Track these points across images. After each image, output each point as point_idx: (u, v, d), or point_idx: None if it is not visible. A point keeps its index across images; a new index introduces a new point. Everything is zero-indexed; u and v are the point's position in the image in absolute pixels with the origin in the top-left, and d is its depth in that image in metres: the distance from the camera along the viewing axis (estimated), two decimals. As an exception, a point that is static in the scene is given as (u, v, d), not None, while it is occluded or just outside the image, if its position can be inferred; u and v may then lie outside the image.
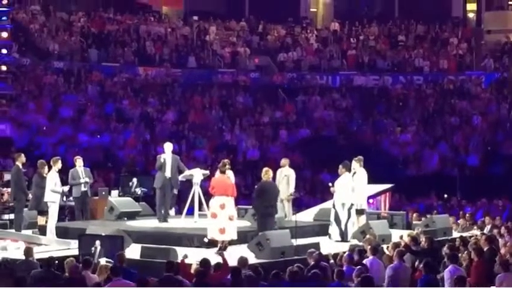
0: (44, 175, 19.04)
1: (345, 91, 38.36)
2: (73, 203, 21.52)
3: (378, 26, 42.26)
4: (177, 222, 19.79)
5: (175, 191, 21.37)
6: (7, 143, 29.29)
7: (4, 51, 27.67)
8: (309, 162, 32.92)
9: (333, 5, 45.36)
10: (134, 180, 23.90)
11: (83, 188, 20.38)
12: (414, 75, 39.33)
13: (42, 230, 18.91)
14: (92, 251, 14.77)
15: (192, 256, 14.78)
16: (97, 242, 14.98)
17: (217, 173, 17.80)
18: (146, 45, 38.53)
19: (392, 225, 20.85)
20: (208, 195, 18.57)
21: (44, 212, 19.07)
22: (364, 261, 14.34)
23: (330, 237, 19.07)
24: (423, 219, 22.03)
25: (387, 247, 16.00)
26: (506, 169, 32.30)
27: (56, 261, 13.42)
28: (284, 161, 20.85)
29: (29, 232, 19.23)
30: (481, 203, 29.41)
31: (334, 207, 19.14)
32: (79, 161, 20.64)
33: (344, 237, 18.84)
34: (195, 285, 12.29)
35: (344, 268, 13.74)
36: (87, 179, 20.49)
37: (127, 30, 39.15)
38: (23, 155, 20.10)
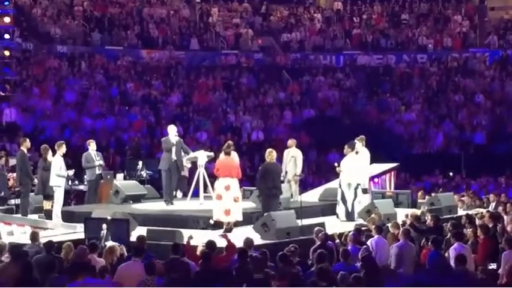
0: (49, 159, 19.08)
1: (349, 71, 38.35)
2: (79, 187, 21.64)
3: (381, 5, 42.14)
4: (182, 205, 19.83)
5: (186, 173, 21.44)
6: (12, 128, 29.34)
7: (7, 36, 27.70)
8: (314, 143, 32.93)
9: (335, -15, 45.18)
10: (140, 163, 23.94)
11: (97, 171, 20.48)
12: (418, 54, 39.27)
13: (48, 215, 18.96)
14: (101, 235, 14.80)
15: (197, 238, 14.82)
16: (104, 226, 15.02)
17: (222, 155, 17.81)
18: (149, 27, 38.48)
19: (398, 204, 20.87)
20: (213, 177, 18.59)
21: (50, 197, 19.11)
22: (369, 241, 14.38)
23: (338, 216, 19.12)
24: (428, 197, 22.05)
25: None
26: (511, 147, 32.28)
27: (56, 245, 13.45)
28: (291, 142, 20.88)
29: (35, 216, 19.28)
30: (486, 180, 29.44)
31: (340, 187, 19.17)
32: (93, 145, 20.76)
33: (350, 216, 18.87)
34: (201, 267, 12.32)
35: (349, 247, 13.78)
36: (101, 162, 20.61)
37: (130, 13, 39.08)
38: (28, 139, 20.13)
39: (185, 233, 15.80)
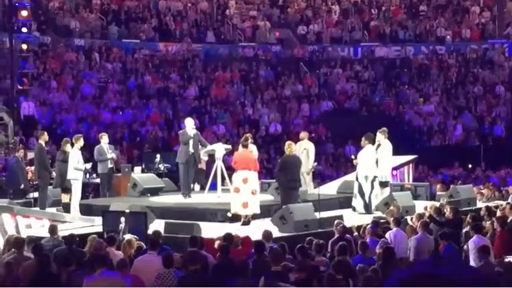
0: (68, 151, 19.10)
1: (367, 63, 38.23)
2: (96, 180, 21.62)
3: (399, -4, 41.98)
4: (200, 198, 19.80)
5: (203, 166, 21.41)
6: (30, 122, 29.41)
7: (24, 29, 27.65)
8: (332, 135, 32.88)
9: (353, -24, 45.02)
10: (158, 156, 23.92)
11: (109, 165, 20.44)
12: (437, 45, 39.08)
13: (67, 208, 18.99)
14: (120, 228, 14.77)
15: (215, 231, 14.79)
16: (122, 219, 14.99)
17: (240, 148, 17.77)
18: (166, 20, 38.46)
19: (416, 197, 20.77)
20: (231, 170, 18.56)
21: (68, 190, 19.14)
22: (388, 233, 14.31)
23: (354, 209, 19.03)
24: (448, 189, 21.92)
25: (411, 218, 15.96)
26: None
27: (77, 238, 13.45)
28: (303, 134, 20.85)
29: (53, 210, 19.31)
30: (505, 172, 29.26)
31: (357, 179, 19.09)
32: (105, 138, 20.68)
33: (368, 209, 18.79)
34: (218, 260, 12.28)
35: (368, 240, 13.71)
36: (113, 155, 20.57)
37: (147, 6, 39.08)
38: (45, 133, 20.22)
39: (203, 225, 15.79)
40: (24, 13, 27.64)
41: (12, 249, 12.45)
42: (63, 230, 15.21)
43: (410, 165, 24.03)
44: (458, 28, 39.96)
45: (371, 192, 18.87)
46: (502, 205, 18.34)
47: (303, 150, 20.23)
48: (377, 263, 11.96)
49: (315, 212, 16.89)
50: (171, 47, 37.26)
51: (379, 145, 19.27)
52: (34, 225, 17.41)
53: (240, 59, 37.68)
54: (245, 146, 17.62)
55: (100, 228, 15.83)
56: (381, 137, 19.35)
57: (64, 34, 35.94)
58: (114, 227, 14.93)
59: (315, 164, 20.59)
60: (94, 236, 13.69)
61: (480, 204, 20.49)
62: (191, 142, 19.65)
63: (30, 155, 21.88)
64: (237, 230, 15.48)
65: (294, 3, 41.87)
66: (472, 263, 13.07)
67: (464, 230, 15.15)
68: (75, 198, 18.86)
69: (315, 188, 19.45)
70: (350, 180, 20.66)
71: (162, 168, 23.31)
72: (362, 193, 18.93)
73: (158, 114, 32.32)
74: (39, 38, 33.85)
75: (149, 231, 14.73)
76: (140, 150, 28.88)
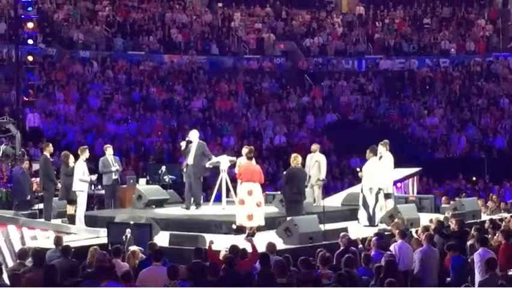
0: (70, 165, 19.12)
1: (371, 75, 38.30)
2: (101, 192, 21.62)
3: (403, 9, 42.06)
4: (205, 209, 19.81)
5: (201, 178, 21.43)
6: (36, 133, 29.45)
7: (30, 41, 27.69)
8: (337, 147, 32.88)
9: (357, -11, 45.15)
10: (163, 168, 23.92)
11: (114, 176, 20.44)
12: (441, 58, 39.16)
13: (72, 219, 19.00)
14: (124, 239, 14.79)
15: (220, 243, 14.80)
16: (127, 231, 15.02)
17: (244, 160, 17.79)
18: (171, 33, 38.56)
19: (421, 209, 20.75)
20: (235, 182, 18.57)
21: (73, 201, 19.15)
22: (392, 245, 14.31)
23: (359, 221, 19.03)
24: (451, 202, 21.92)
25: (416, 231, 15.96)
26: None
27: (73, 250, 13.42)
28: (315, 147, 20.88)
29: (58, 221, 19.32)
30: (510, 185, 29.25)
31: (362, 191, 19.09)
32: (109, 150, 20.67)
33: (371, 221, 18.78)
34: (224, 271, 12.29)
35: (372, 253, 13.72)
36: (118, 167, 20.58)
37: (152, 18, 39.20)
38: (50, 144, 20.23)
39: (208, 237, 15.79)
40: (30, 25, 27.67)
41: (18, 261, 12.47)
42: (68, 242, 15.21)
43: (415, 177, 24.03)
44: (462, 41, 40.05)
45: (375, 205, 18.85)
46: (506, 218, 18.34)
47: (315, 162, 20.25)
48: (376, 276, 11.98)
49: (320, 224, 16.90)
50: (176, 59, 37.36)
51: (380, 157, 19.27)
52: (39, 237, 17.43)
53: (244, 71, 37.77)
54: (250, 158, 17.63)
55: (104, 240, 15.85)
56: (382, 149, 19.34)
57: (69, 46, 36.07)
58: (119, 238, 14.94)
59: (323, 177, 20.55)
60: (95, 247, 13.68)
61: (485, 217, 20.48)
62: (191, 154, 19.66)
63: (36, 166, 21.89)
64: (243, 241, 15.46)
65: (299, 16, 41.97)
66: (477, 275, 13.07)
67: (469, 243, 15.15)
68: (80, 209, 18.88)
69: (323, 199, 19.44)
70: (354, 192, 20.66)
71: (167, 180, 23.29)
72: (366, 205, 18.93)
73: (163, 126, 32.37)
74: (45, 49, 33.95)
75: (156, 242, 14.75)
76: (145, 161, 28.90)
